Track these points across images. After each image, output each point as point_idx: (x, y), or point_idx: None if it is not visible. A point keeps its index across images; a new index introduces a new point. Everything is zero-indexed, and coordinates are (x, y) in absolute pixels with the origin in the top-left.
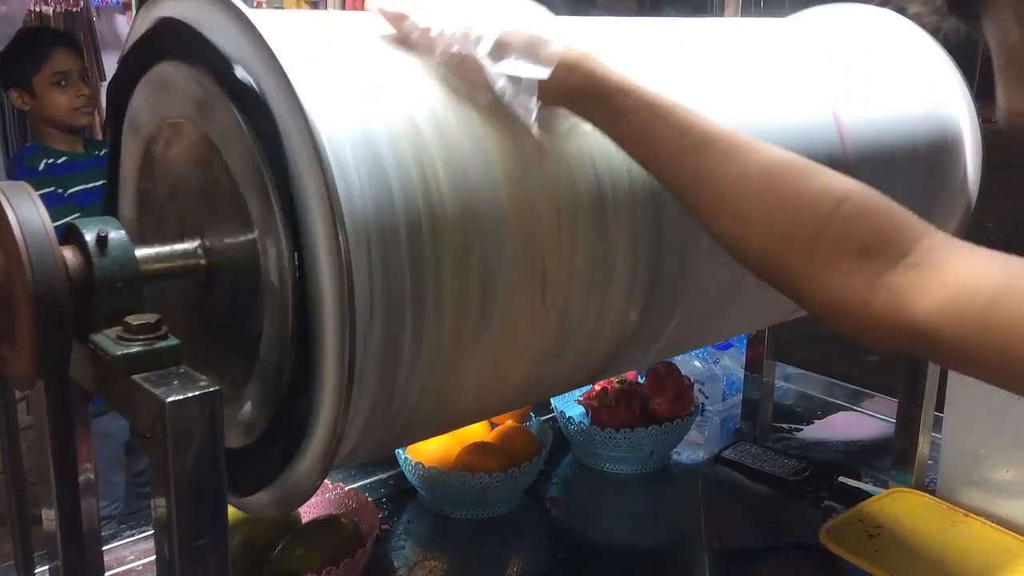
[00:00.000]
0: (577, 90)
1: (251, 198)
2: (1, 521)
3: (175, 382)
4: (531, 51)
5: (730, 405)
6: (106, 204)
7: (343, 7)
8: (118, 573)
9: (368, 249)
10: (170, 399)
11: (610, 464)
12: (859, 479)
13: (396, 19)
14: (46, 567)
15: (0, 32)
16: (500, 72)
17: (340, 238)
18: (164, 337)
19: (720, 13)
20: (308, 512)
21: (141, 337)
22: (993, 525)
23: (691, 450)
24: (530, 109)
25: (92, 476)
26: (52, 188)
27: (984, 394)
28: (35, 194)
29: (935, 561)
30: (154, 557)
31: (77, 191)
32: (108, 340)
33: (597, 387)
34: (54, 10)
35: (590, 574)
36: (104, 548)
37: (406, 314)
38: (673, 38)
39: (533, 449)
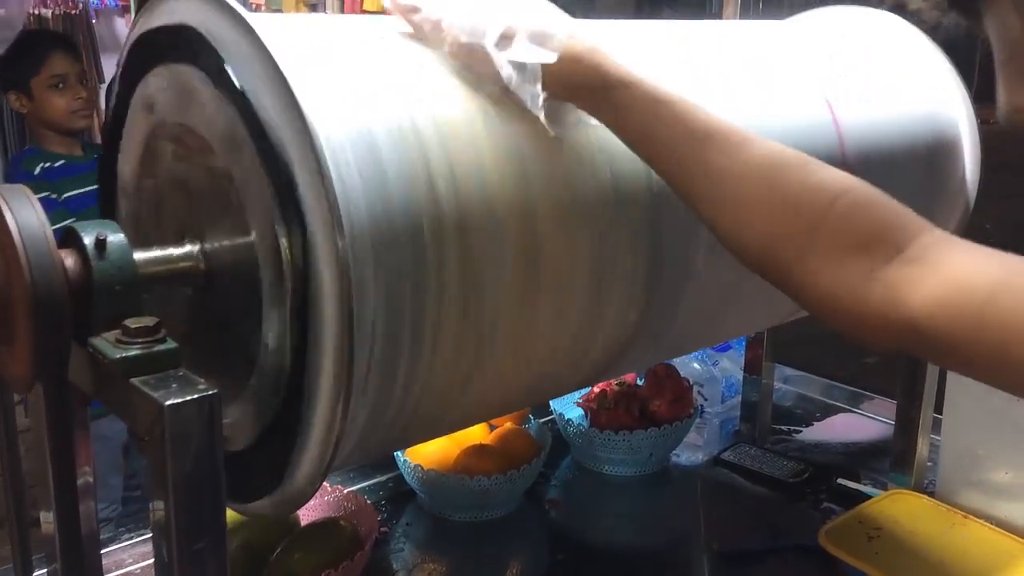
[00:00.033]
0: (582, 83)
1: (250, 202)
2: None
3: (174, 385)
4: (537, 39)
5: (729, 407)
6: (103, 206)
7: (342, 10)
8: None
9: (368, 253)
10: (169, 402)
11: (609, 466)
12: (858, 481)
13: (407, 11)
14: (44, 570)
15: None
16: (506, 59)
17: (339, 242)
18: (163, 340)
19: (719, 16)
20: (307, 515)
21: (140, 340)
22: (992, 527)
23: (690, 452)
24: (535, 96)
25: (90, 479)
26: (46, 193)
27: (983, 396)
28: (34, 197)
29: (934, 563)
30: (152, 560)
31: (72, 196)
32: (107, 343)
33: (596, 389)
34: (53, 12)
35: None
36: (102, 551)
37: (406, 316)
38: (673, 38)
39: (532, 451)
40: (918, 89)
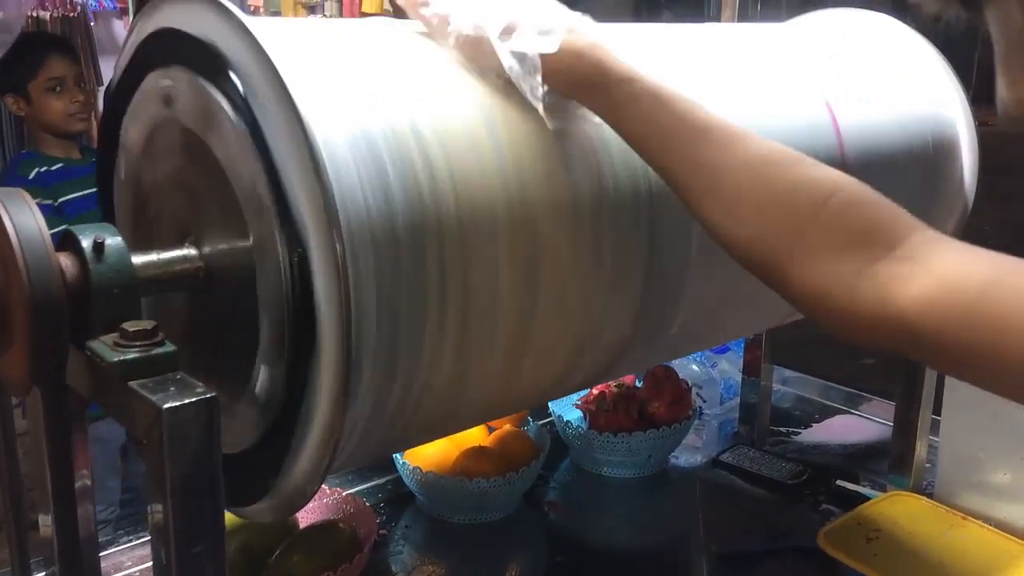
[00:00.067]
0: (583, 78)
1: (249, 205)
2: None
3: (172, 388)
4: (539, 32)
5: (728, 409)
6: (101, 208)
7: (340, 13)
8: None
9: (366, 256)
10: (167, 405)
11: (608, 468)
12: (857, 482)
13: (413, 6)
14: (43, 573)
15: None
16: (508, 49)
17: (337, 246)
18: (161, 343)
19: (717, 18)
20: (306, 517)
21: (138, 343)
22: (991, 528)
23: (689, 454)
24: (535, 87)
25: (88, 482)
26: (41, 198)
27: (981, 397)
28: (31, 201)
29: (933, 564)
30: (151, 563)
31: (67, 200)
32: (105, 346)
33: (595, 391)
34: (51, 15)
35: None
36: (101, 554)
37: (405, 319)
38: (673, 39)
39: (531, 453)
40: (917, 90)
